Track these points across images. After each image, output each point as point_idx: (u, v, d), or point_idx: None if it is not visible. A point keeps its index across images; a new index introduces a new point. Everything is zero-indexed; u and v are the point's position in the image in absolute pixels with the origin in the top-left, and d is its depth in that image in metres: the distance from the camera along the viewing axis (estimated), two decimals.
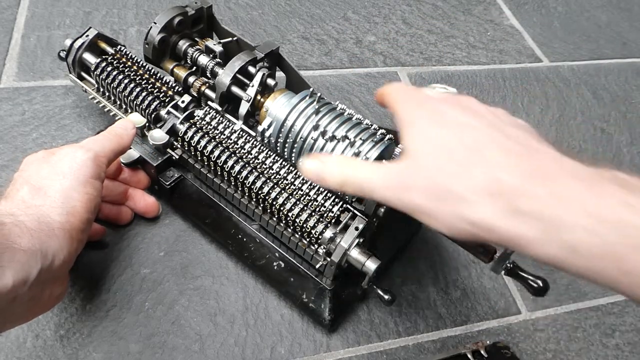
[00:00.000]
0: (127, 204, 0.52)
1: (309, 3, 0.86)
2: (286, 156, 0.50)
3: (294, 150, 0.49)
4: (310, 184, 0.47)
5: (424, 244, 0.58)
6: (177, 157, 0.52)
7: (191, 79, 0.54)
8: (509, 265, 0.46)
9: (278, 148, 0.50)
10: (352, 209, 0.46)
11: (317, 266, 0.46)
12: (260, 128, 0.49)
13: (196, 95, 0.54)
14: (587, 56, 0.90)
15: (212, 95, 0.53)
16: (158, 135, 0.51)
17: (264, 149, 0.49)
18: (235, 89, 0.51)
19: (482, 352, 0.50)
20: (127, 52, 0.56)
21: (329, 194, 0.46)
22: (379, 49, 0.82)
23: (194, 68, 0.56)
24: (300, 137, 0.48)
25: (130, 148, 0.51)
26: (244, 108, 0.51)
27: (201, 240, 0.54)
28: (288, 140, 0.49)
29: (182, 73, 0.55)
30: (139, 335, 0.47)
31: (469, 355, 0.50)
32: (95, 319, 0.47)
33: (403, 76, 0.78)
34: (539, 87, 0.82)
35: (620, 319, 0.57)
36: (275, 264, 0.50)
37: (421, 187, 0.31)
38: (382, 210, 0.44)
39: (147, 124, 0.53)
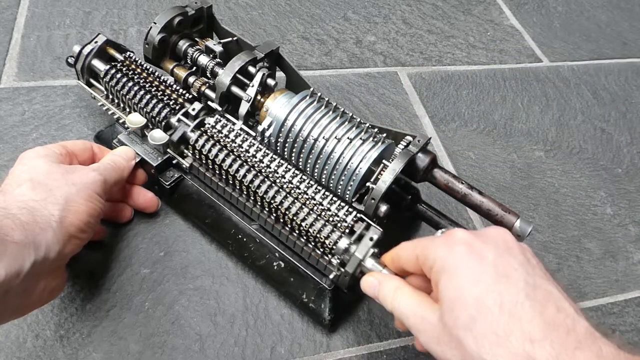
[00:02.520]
0: (126, 201, 0.53)
1: (309, 3, 0.86)
2: (286, 156, 0.50)
3: (294, 150, 0.49)
4: (323, 193, 0.46)
5: None
6: (187, 165, 0.51)
7: (191, 79, 0.54)
8: None
9: (278, 148, 0.50)
10: (366, 218, 0.45)
11: (331, 277, 0.45)
12: (260, 128, 0.49)
13: (196, 95, 0.54)
14: (587, 56, 0.90)
15: (212, 95, 0.53)
16: (158, 136, 0.51)
17: (276, 157, 0.48)
18: (235, 89, 0.51)
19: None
20: (137, 59, 0.55)
21: (342, 204, 0.46)
22: (379, 49, 0.82)
23: (194, 68, 0.56)
24: (300, 137, 0.48)
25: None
26: (244, 108, 0.51)
27: (201, 240, 0.54)
28: (288, 140, 0.49)
29: (182, 73, 0.55)
30: (139, 335, 0.47)
31: None
32: (95, 319, 0.47)
33: (403, 76, 0.78)
34: (539, 87, 0.82)
35: (620, 319, 0.57)
36: (275, 264, 0.50)
37: (452, 346, 0.32)
38: (382, 210, 0.44)
39: (147, 124, 0.53)
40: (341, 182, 0.47)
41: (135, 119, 0.52)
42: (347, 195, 0.47)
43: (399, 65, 0.80)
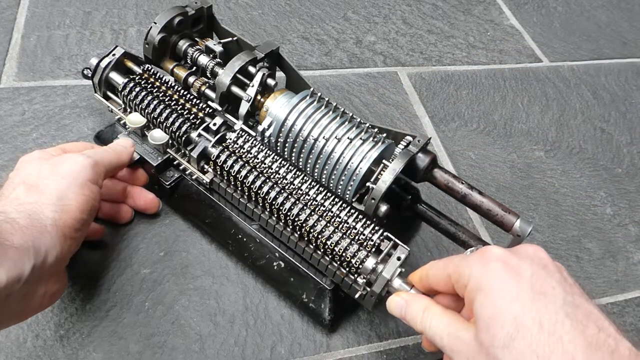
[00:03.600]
0: (127, 202, 0.52)
1: (309, 3, 0.86)
2: (286, 156, 0.50)
3: (294, 150, 0.49)
4: (349, 211, 0.45)
5: (423, 244, 0.58)
6: (207, 181, 0.50)
7: (191, 79, 0.54)
8: None
9: (278, 148, 0.50)
10: (392, 237, 0.44)
11: (356, 296, 0.45)
12: (260, 128, 0.49)
13: (196, 95, 0.54)
14: (587, 56, 0.90)
15: (212, 95, 0.53)
16: (158, 135, 0.51)
17: (300, 173, 0.47)
18: (235, 89, 0.51)
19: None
20: (156, 72, 0.55)
21: (367, 222, 0.45)
22: (379, 49, 0.82)
23: (194, 68, 0.56)
24: (301, 137, 0.48)
25: None
26: (244, 108, 0.51)
27: (201, 240, 0.54)
28: (288, 140, 0.49)
29: (182, 73, 0.55)
30: (139, 335, 0.47)
31: None
32: (95, 319, 0.47)
33: (403, 76, 0.78)
34: (539, 87, 0.82)
35: (621, 319, 0.57)
36: (275, 264, 0.50)
37: None
38: (382, 210, 0.44)
39: (147, 124, 0.53)
40: (341, 182, 0.47)
41: (135, 119, 0.52)
42: (347, 196, 0.47)
43: (399, 65, 0.80)
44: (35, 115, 0.61)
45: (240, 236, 0.51)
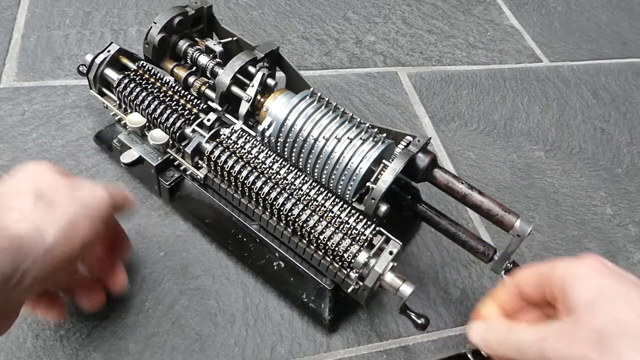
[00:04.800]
0: (104, 277, 0.44)
1: (309, 3, 0.86)
2: (286, 156, 0.50)
3: (294, 150, 0.49)
4: (342, 206, 0.45)
5: (423, 244, 0.58)
6: (201, 176, 0.50)
7: (191, 79, 0.54)
8: (509, 265, 0.46)
9: (278, 148, 0.50)
10: (385, 232, 0.44)
11: (349, 290, 0.45)
12: (260, 128, 0.49)
13: (196, 95, 0.54)
14: (587, 56, 0.90)
15: (212, 95, 0.53)
16: (158, 135, 0.51)
17: (293, 169, 0.47)
18: (235, 89, 0.51)
19: (482, 352, 0.50)
20: (150, 68, 0.54)
21: (360, 216, 0.45)
22: (379, 49, 0.82)
23: (194, 68, 0.56)
24: (301, 137, 0.48)
25: (130, 148, 0.52)
26: (244, 108, 0.51)
27: (201, 240, 0.54)
28: (288, 140, 0.49)
29: (182, 73, 0.55)
30: (139, 335, 0.47)
31: (469, 355, 0.50)
32: (95, 319, 0.47)
33: (403, 76, 0.78)
34: (539, 87, 0.82)
35: None
36: (275, 264, 0.50)
37: (591, 344, 0.31)
38: (382, 210, 0.44)
39: (147, 124, 0.53)
40: (341, 182, 0.47)
41: (135, 119, 0.52)
42: (347, 195, 0.47)
43: (399, 65, 0.80)
44: (35, 115, 0.61)
45: (240, 236, 0.51)
